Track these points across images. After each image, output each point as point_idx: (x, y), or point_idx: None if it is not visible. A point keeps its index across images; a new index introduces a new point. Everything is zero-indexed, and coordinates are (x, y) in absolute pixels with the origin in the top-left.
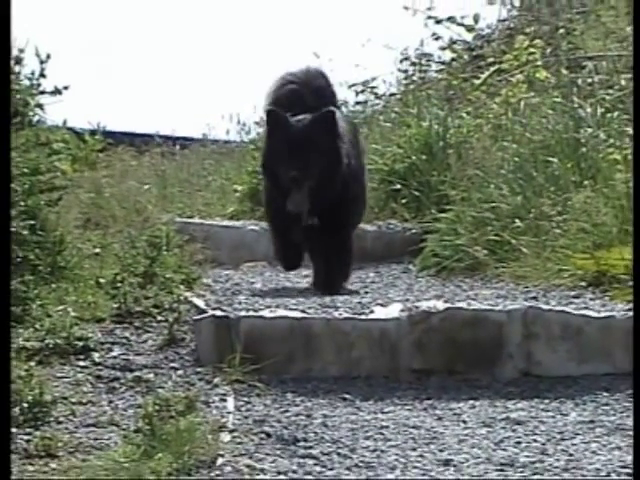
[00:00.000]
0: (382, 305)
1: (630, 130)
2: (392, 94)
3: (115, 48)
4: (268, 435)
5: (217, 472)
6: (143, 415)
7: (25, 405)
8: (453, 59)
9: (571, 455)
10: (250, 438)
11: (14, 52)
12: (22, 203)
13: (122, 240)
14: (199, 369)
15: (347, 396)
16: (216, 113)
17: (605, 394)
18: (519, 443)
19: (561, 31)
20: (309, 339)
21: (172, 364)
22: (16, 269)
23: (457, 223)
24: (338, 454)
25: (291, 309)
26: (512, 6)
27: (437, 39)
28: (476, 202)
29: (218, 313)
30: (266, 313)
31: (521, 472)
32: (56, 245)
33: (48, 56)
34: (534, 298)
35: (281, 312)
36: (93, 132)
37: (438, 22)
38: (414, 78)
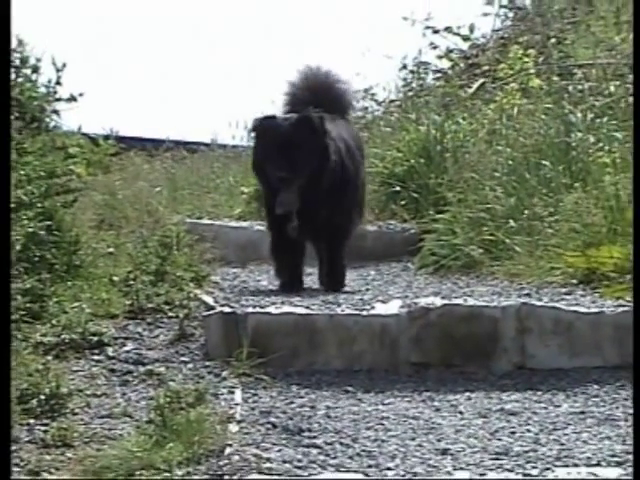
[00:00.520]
0: (382, 302)
1: (619, 135)
2: (392, 100)
3: (128, 57)
4: (274, 426)
5: (225, 461)
6: (155, 407)
7: (42, 397)
8: (450, 67)
9: (563, 444)
10: (257, 428)
11: (32, 61)
12: (39, 205)
13: (134, 240)
14: (208, 363)
15: (349, 388)
16: (223, 119)
17: (595, 386)
18: (513, 433)
19: (553, 40)
20: (313, 334)
21: (182, 358)
22: (33, 268)
23: (454, 223)
24: (341, 444)
25: (296, 305)
26: (506, 17)
27: (434, 48)
28: (472, 203)
29: (226, 309)
30: (272, 309)
31: (515, 461)
32: (72, 245)
33: (64, 65)
34: (527, 295)
35: (286, 308)
36: (107, 137)
37: (435, 32)
38: (413, 85)
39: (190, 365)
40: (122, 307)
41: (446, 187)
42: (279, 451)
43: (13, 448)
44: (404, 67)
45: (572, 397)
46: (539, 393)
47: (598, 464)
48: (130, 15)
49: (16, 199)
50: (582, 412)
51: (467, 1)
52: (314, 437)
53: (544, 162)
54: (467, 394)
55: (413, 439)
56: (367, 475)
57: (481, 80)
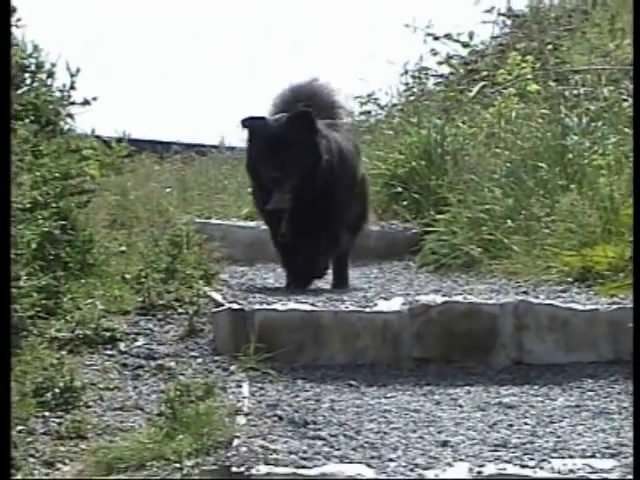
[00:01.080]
0: (385, 299)
1: (613, 138)
2: (394, 105)
3: (139, 62)
4: (280, 418)
5: (233, 452)
6: (165, 400)
7: (57, 391)
8: (450, 73)
9: (559, 437)
10: (264, 421)
11: (47, 66)
12: (54, 205)
13: (146, 239)
14: (217, 358)
15: (353, 382)
16: (231, 122)
17: (590, 381)
18: (511, 426)
19: (549, 47)
20: (318, 330)
21: (192, 353)
22: (49, 266)
23: (454, 223)
24: (344, 436)
25: (301, 302)
26: (504, 24)
27: (435, 54)
28: (471, 204)
29: (234, 306)
30: (278, 306)
31: (513, 452)
32: (85, 244)
33: (78, 70)
34: (525, 292)
35: (292, 305)
36: (119, 140)
37: (436, 39)
38: (414, 90)
39: (199, 360)
40: (134, 304)
41: (446, 188)
42: (285, 443)
43: (29, 440)
44: (406, 72)
45: (568, 391)
46: (536, 387)
47: (593, 456)
48: (141, 20)
49: (32, 199)
50: (577, 406)
51: (467, 9)
52: (319, 429)
53: (541, 164)
54: (466, 388)
55: (414, 431)
56: (370, 466)
57: (481, 83)
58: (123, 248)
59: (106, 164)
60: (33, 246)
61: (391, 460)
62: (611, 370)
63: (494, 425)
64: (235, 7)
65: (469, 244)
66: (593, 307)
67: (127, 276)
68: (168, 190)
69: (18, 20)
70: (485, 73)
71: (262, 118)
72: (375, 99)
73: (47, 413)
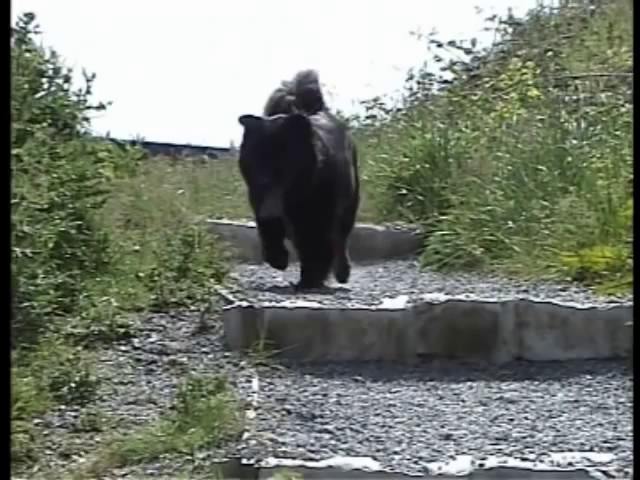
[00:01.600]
0: (390, 297)
1: (611, 142)
2: (399, 109)
3: (153, 69)
4: (289, 412)
5: (243, 445)
6: (178, 394)
7: (73, 385)
8: (453, 79)
9: (558, 431)
10: (273, 415)
11: (64, 71)
12: (70, 205)
13: (159, 238)
14: (227, 353)
15: (359, 378)
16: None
17: (588, 377)
18: (512, 420)
19: (549, 54)
20: (325, 327)
21: (203, 349)
22: (65, 264)
23: (456, 224)
24: (351, 429)
25: (309, 300)
26: (505, 32)
27: (439, 61)
28: (473, 206)
29: (244, 304)
30: (287, 304)
31: (514, 446)
32: (100, 243)
33: (93, 75)
34: (525, 291)
35: (300, 303)
36: (133, 143)
37: (440, 45)
38: (418, 95)
39: (210, 355)
40: (147, 301)
41: (449, 190)
42: (293, 436)
43: (45, 432)
44: (410, 78)
45: (567, 387)
46: (536, 383)
47: (591, 449)
48: (155, 26)
49: (49, 200)
50: (576, 401)
51: (469, 17)
52: (326, 423)
53: (541, 167)
54: (469, 383)
55: (418, 425)
56: (375, 458)
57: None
58: (137, 247)
59: (121, 166)
60: (50, 245)
61: (396, 453)
62: (609, 366)
63: (495, 419)
64: (248, 14)
65: (471, 244)
66: (591, 306)
67: (141, 274)
68: (180, 191)
69: (36, 27)
70: (487, 79)
71: (259, 118)
72: (381, 104)
73: (63, 406)
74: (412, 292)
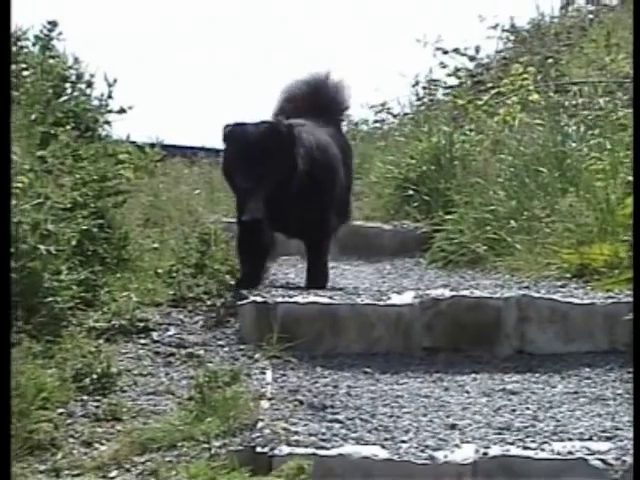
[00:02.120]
0: (398, 293)
1: (608, 144)
2: (405, 114)
3: (172, 76)
4: (301, 403)
5: (258, 434)
6: (195, 385)
7: (95, 376)
8: (458, 84)
9: (558, 421)
10: (285, 405)
11: (86, 77)
12: (92, 205)
13: (177, 237)
14: (242, 346)
15: (368, 370)
16: None
17: (587, 369)
18: (514, 410)
19: (550, 60)
20: (336, 321)
21: (219, 342)
22: (87, 261)
23: (461, 223)
24: (360, 419)
25: (320, 296)
26: (508, 39)
27: (444, 67)
28: (477, 205)
29: (258, 299)
30: (299, 299)
31: (516, 435)
32: (121, 240)
33: (114, 80)
34: (527, 287)
35: (312, 298)
36: (152, 145)
37: (445, 53)
38: (424, 100)
39: (226, 348)
40: (166, 296)
41: (454, 191)
42: (305, 425)
43: (68, 421)
44: (417, 84)
45: (567, 379)
46: (537, 375)
47: (590, 439)
48: (173, 34)
49: (72, 200)
50: (576, 392)
51: (473, 25)
52: (336, 413)
53: (542, 169)
54: (473, 375)
55: (425, 415)
56: (384, 447)
57: (492, 92)
58: (156, 245)
59: (140, 167)
60: (73, 243)
61: (403, 442)
62: (607, 359)
63: (498, 410)
64: (262, 21)
65: (475, 242)
66: (590, 301)
67: (159, 271)
68: (197, 192)
69: (59, 34)
70: (490, 84)
71: (242, 124)
72: (388, 108)
73: (85, 397)
74: (418, 288)
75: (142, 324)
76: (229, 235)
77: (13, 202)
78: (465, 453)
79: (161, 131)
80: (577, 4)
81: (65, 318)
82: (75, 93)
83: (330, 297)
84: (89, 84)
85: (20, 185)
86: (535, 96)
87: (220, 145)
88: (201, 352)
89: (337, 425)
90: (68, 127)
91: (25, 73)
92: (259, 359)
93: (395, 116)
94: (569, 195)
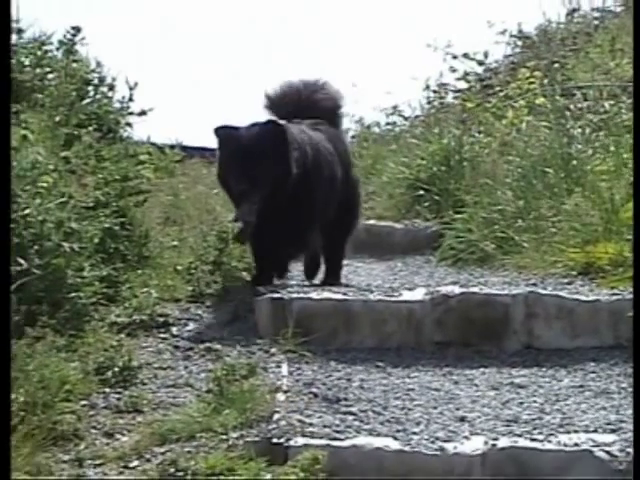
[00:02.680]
0: (409, 289)
1: (612, 147)
2: (416, 116)
3: (190, 79)
4: (315, 395)
5: (274, 425)
6: (213, 378)
7: (116, 369)
8: (467, 88)
9: (565, 414)
10: (300, 398)
11: (108, 80)
12: (114, 204)
13: (195, 235)
14: (258, 341)
15: (380, 364)
16: None
17: (592, 364)
18: (522, 403)
19: (556, 65)
20: (349, 317)
21: (236, 337)
22: (109, 258)
23: (470, 222)
24: (373, 411)
25: (334, 292)
26: (515, 45)
27: (454, 71)
28: (486, 205)
29: (274, 295)
30: (314, 295)
31: (524, 427)
32: (142, 238)
33: (135, 84)
34: (534, 284)
35: (326, 294)
36: (172, 146)
37: (455, 57)
38: (435, 103)
39: (243, 343)
40: (185, 292)
41: (464, 191)
42: (320, 417)
43: (91, 413)
44: (427, 87)
45: (572, 373)
46: (544, 369)
47: (595, 431)
48: (190, 37)
49: (95, 199)
50: (581, 386)
51: (482, 31)
52: (350, 405)
53: (548, 170)
54: (482, 369)
55: (435, 408)
56: (396, 438)
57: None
58: (175, 243)
59: (160, 168)
60: (96, 240)
61: (414, 433)
62: (611, 354)
63: (506, 403)
64: (279, 22)
65: (484, 241)
66: (595, 298)
67: (179, 268)
68: (215, 191)
69: (82, 39)
70: (498, 88)
71: (235, 128)
72: (400, 111)
73: (107, 389)
74: (429, 285)
75: (162, 319)
76: None
77: (38, 201)
78: (474, 445)
79: (180, 133)
80: (583, 10)
81: (88, 313)
82: (97, 96)
83: (344, 293)
84: (111, 87)
85: (45, 185)
86: (542, 99)
87: None
88: (219, 346)
89: (350, 417)
90: (91, 129)
91: (49, 77)
92: (275, 353)
93: (406, 119)
94: (575, 195)
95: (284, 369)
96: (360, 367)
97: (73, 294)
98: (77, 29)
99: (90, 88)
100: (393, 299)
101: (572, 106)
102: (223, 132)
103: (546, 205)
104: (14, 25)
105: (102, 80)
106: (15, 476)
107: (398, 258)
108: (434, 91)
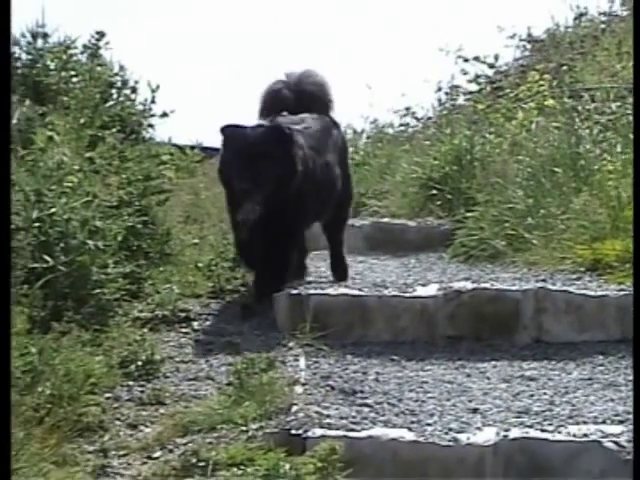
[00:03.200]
0: (422, 285)
1: (619, 147)
2: (429, 118)
3: (211, 82)
4: (332, 388)
5: (292, 417)
6: (233, 371)
7: (139, 363)
8: (478, 90)
9: (574, 405)
10: (318, 390)
11: (131, 83)
12: (137, 203)
13: (216, 233)
14: (277, 335)
15: (395, 357)
16: None
17: (600, 357)
18: (532, 395)
19: (564, 68)
20: (365, 312)
21: (256, 331)
22: (132, 255)
23: (481, 220)
24: (388, 403)
25: (350, 288)
26: (525, 48)
27: (465, 74)
28: (497, 203)
29: (292, 291)
30: (330, 291)
31: (534, 419)
32: (163, 236)
33: (157, 87)
34: (543, 280)
35: (342, 290)
36: (192, 147)
37: (466, 60)
38: (446, 105)
39: (262, 337)
40: (205, 288)
41: (475, 190)
42: (337, 409)
43: (115, 405)
44: (439, 90)
45: (581, 366)
46: (553, 362)
47: (604, 422)
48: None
49: (118, 198)
50: (590, 378)
51: (492, 35)
52: (366, 398)
53: (557, 169)
54: (493, 363)
55: (448, 400)
56: (410, 430)
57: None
58: (196, 240)
59: (181, 168)
60: (119, 238)
61: (428, 425)
62: (619, 348)
63: (517, 395)
64: (299, 28)
65: (495, 238)
66: (603, 293)
67: (200, 264)
68: None
69: (106, 43)
70: (508, 90)
71: (241, 127)
72: (413, 113)
73: (131, 382)
74: (442, 281)
75: (183, 314)
76: None
77: (63, 200)
78: (486, 435)
79: (201, 134)
80: (590, 15)
81: (112, 309)
82: (121, 98)
83: (359, 289)
84: (134, 90)
85: (70, 184)
86: (551, 101)
87: None
88: (239, 340)
89: (366, 409)
90: (114, 130)
91: (74, 80)
92: (293, 347)
93: (419, 120)
94: (583, 194)
95: (302, 362)
96: (375, 360)
97: (97, 290)
98: (101, 34)
99: (114, 91)
100: (407, 295)
101: (580, 107)
102: (229, 131)
103: (555, 203)
104: (39, 30)
105: (125, 83)
106: (42, 466)
107: (412, 255)
108: (446, 93)
